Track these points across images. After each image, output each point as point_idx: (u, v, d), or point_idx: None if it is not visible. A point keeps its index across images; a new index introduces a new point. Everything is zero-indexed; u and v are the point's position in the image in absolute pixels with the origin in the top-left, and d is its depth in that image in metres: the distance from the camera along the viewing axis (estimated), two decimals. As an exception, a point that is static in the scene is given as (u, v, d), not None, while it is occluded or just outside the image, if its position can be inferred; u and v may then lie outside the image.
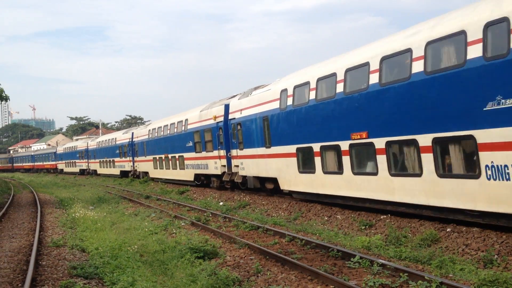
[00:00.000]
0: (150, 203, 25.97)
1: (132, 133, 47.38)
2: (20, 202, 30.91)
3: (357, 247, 12.56)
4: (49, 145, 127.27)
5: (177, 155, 33.69)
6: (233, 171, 25.72)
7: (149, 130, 41.35)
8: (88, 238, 15.34)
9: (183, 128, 32.49)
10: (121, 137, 50.63)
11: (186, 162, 32.08)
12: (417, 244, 12.25)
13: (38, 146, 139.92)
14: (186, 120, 31.89)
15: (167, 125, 36.30)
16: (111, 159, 53.16)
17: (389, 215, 15.08)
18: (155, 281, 10.30)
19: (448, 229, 12.59)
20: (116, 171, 52.13)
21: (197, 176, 30.94)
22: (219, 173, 26.98)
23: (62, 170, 78.30)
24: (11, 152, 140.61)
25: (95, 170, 61.04)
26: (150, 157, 40.89)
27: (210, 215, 19.95)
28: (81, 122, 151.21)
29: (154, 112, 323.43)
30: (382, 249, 12.24)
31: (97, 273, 11.03)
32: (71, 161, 72.21)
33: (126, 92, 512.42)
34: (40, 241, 15.51)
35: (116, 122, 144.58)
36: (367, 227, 14.86)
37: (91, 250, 13.41)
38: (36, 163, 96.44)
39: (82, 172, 67.11)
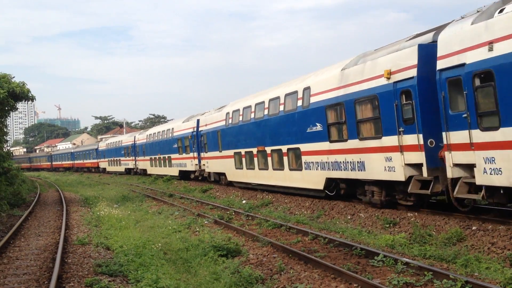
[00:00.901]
0: (174, 201, 26.14)
1: (198, 120, 35.08)
2: (46, 201, 31.38)
3: (381, 246, 12.47)
4: (74, 144, 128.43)
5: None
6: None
7: (228, 112, 28.76)
8: (113, 236, 15.49)
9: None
10: (181, 126, 39.40)
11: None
12: (442, 242, 12.11)
13: (63, 146, 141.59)
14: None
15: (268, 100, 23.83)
16: (167, 156, 42.24)
17: (415, 213, 14.93)
18: (178, 278, 10.37)
19: (474, 227, 12.42)
20: (173, 171, 40.88)
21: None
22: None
23: (104, 169, 69.25)
24: (50, 149, 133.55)
25: (144, 170, 50.34)
26: (230, 152, 28.42)
27: (233, 213, 19.99)
28: (105, 122, 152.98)
29: (178, 111, 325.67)
30: (406, 248, 12.13)
31: (121, 270, 11.14)
32: (115, 159, 62.47)
33: (149, 91, 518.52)
34: (65, 239, 15.72)
35: (140, 121, 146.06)
36: (391, 225, 14.74)
37: (116, 248, 13.54)
38: (76, 161, 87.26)
39: (128, 171, 57.60)
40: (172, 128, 41.29)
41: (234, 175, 28.56)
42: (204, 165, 34.11)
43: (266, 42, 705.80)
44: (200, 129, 34.41)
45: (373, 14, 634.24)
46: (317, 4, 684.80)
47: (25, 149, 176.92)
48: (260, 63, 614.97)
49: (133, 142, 54.37)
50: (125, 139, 59.04)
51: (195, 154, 35.47)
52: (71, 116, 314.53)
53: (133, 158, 54.28)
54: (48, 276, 11.10)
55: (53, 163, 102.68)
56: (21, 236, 17.22)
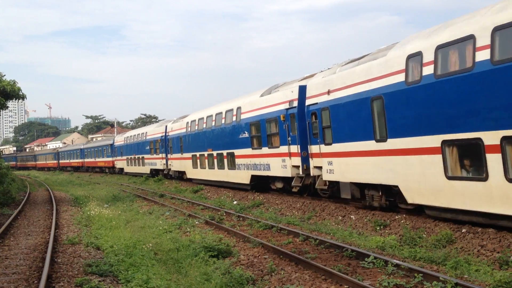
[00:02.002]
0: (165, 202, 26.09)
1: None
2: (36, 200, 31.21)
3: (372, 247, 12.51)
4: (64, 143, 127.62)
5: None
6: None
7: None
8: (103, 236, 15.44)
9: None
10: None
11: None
12: (432, 244, 12.18)
13: (53, 145, 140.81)
14: None
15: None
16: (226, 152, 28.32)
17: (404, 215, 15.00)
18: (169, 279, 10.34)
19: (464, 230, 12.49)
20: (238, 177, 27.09)
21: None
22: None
23: (122, 169, 55.96)
24: (58, 146, 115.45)
25: (183, 172, 37.20)
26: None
27: (224, 214, 19.98)
28: (96, 121, 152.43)
29: (170, 111, 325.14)
30: (397, 249, 12.18)
31: (111, 270, 11.10)
32: (137, 157, 48.89)
33: (141, 91, 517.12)
34: (55, 238, 15.65)
35: (131, 120, 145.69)
36: (381, 227, 14.80)
37: (106, 248, 13.49)
38: (86, 160, 73.95)
39: (155, 173, 44.39)
40: (235, 109, 28.27)
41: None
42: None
43: (259, 43, 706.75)
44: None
45: (366, 17, 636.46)
46: (310, 6, 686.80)
47: (14, 148, 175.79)
48: (254, 64, 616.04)
49: (162, 135, 40.94)
50: (152, 130, 45.84)
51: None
52: (61, 115, 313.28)
53: (163, 156, 40.99)
54: (38, 276, 11.04)
55: (60, 161, 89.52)
56: (11, 235, 17.11)
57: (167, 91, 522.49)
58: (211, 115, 30.29)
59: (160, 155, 41.26)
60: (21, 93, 26.04)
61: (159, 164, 41.59)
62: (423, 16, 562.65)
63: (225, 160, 28.13)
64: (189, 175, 35.46)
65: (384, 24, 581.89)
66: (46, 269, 10.90)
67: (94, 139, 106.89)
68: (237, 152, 26.50)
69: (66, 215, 22.19)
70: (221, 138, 28.61)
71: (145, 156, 45.26)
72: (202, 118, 31.84)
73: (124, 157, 52.76)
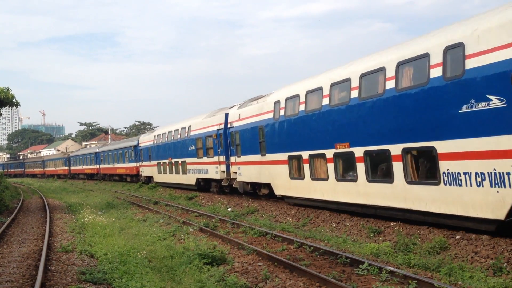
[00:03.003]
0: (159, 209, 26.02)
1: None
2: (29, 207, 31.06)
3: (366, 254, 12.52)
4: (58, 150, 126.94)
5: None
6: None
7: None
8: (97, 244, 15.38)
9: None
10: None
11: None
12: (426, 251, 12.20)
13: (47, 152, 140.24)
14: None
15: None
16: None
17: (398, 222, 15.03)
18: (163, 286, 10.32)
19: (457, 237, 12.53)
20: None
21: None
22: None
23: (150, 178, 44.27)
24: (70, 151, 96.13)
25: (270, 187, 23.04)
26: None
27: (219, 221, 19.96)
28: (90, 128, 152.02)
29: (164, 118, 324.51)
30: (391, 256, 12.20)
31: (105, 278, 11.06)
32: (175, 161, 36.65)
33: (135, 98, 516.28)
34: (49, 246, 15.58)
35: (125, 127, 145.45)
36: (375, 234, 14.82)
37: (100, 256, 13.44)
38: (102, 165, 61.54)
39: (204, 185, 32.69)
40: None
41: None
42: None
43: (253, 50, 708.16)
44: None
45: (359, 24, 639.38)
46: (304, 13, 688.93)
47: (8, 155, 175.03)
48: (248, 71, 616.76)
49: (219, 128, 28.80)
50: (200, 122, 32.06)
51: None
52: (55, 122, 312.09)
53: (222, 158, 28.49)
54: (31, 284, 10.98)
55: (72, 167, 77.69)
56: (4, 243, 17.02)
57: (162, 97, 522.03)
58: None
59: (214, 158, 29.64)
60: (14, 100, 26.00)
61: (213, 172, 29.82)
62: (415, 24, 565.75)
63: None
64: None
65: (377, 31, 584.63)
66: (39, 277, 10.85)
67: (88, 146, 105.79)
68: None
69: (59, 222, 22.10)
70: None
71: (188, 160, 33.82)
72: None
73: (154, 162, 41.72)
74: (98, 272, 11.44)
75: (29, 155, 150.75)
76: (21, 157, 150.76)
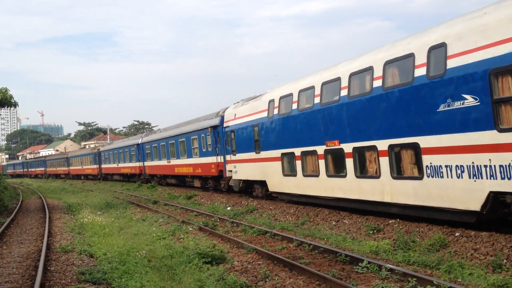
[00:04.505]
0: (158, 208, 26.01)
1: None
2: (28, 208, 31.04)
3: (365, 252, 12.52)
4: (57, 150, 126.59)
5: None
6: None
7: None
8: (96, 244, 15.37)
9: None
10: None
11: None
12: (425, 248, 12.20)
13: (46, 152, 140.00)
14: None
15: None
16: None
17: (397, 219, 15.03)
18: (163, 286, 10.30)
19: (457, 234, 12.53)
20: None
21: None
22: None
23: (256, 184, 24.74)
24: (100, 144, 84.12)
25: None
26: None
27: (218, 220, 19.95)
28: (89, 128, 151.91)
29: (163, 117, 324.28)
30: (390, 254, 12.20)
31: (105, 278, 11.05)
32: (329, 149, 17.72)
33: (133, 97, 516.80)
34: (48, 246, 15.57)
35: (124, 127, 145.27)
36: (375, 231, 14.82)
37: (99, 256, 13.43)
38: (149, 163, 43.83)
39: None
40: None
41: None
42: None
43: (252, 49, 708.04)
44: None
45: (357, 22, 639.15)
46: (302, 11, 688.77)
47: (7, 156, 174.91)
48: (247, 70, 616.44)
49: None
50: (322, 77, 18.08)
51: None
52: (54, 122, 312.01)
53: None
54: (31, 284, 10.97)
55: (102, 166, 61.18)
56: (3, 243, 17.01)
57: (160, 97, 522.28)
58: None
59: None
60: (13, 101, 25.94)
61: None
62: (413, 21, 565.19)
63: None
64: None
65: (375, 29, 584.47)
66: (39, 277, 10.84)
67: (87, 146, 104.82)
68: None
69: (59, 222, 22.09)
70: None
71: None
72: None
73: (269, 153, 22.03)
74: (97, 272, 11.43)
75: (28, 156, 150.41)
76: (19, 158, 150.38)
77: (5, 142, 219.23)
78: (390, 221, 15.10)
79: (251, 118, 23.70)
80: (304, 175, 19.13)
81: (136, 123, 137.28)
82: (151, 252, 13.54)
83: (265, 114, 22.06)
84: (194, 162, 33.24)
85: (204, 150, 31.25)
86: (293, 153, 19.80)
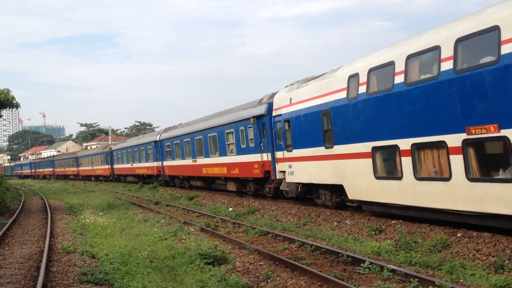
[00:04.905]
0: (160, 209, 26.02)
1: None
2: (30, 209, 31.06)
3: (367, 253, 12.52)
4: (59, 151, 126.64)
5: None
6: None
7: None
8: (98, 244, 15.38)
9: None
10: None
11: None
12: (427, 249, 12.19)
13: (48, 153, 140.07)
14: None
15: None
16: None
17: (400, 220, 15.02)
18: (165, 287, 10.32)
19: (459, 234, 12.52)
20: None
21: None
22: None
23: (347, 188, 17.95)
24: (113, 143, 71.01)
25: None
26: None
27: (220, 221, 19.95)
28: (90, 129, 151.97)
29: (164, 118, 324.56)
30: (392, 255, 12.19)
31: (107, 279, 11.05)
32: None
33: (135, 98, 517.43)
34: (50, 247, 15.57)
35: (125, 128, 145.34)
36: (377, 232, 14.81)
37: (101, 256, 13.44)
38: (168, 162, 38.89)
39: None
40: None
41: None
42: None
43: (253, 49, 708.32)
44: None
45: (358, 22, 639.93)
46: (302, 12, 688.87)
47: (9, 157, 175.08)
48: (248, 70, 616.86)
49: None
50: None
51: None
52: (56, 123, 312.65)
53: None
54: (33, 285, 10.98)
55: (114, 166, 55.71)
56: (5, 244, 17.02)
57: (161, 98, 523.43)
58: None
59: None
60: (14, 102, 25.97)
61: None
62: (414, 22, 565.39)
63: None
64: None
65: (376, 29, 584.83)
66: (41, 278, 10.85)
67: (89, 147, 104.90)
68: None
69: (61, 223, 22.10)
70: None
71: None
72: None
73: (346, 147, 17.30)
74: (99, 273, 11.43)
75: (30, 157, 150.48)
76: (21, 159, 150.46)
77: (7, 143, 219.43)
78: (392, 222, 15.09)
79: (317, 101, 18.30)
80: (418, 178, 13.47)
81: (137, 123, 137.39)
82: (153, 253, 13.55)
83: (341, 95, 16.69)
84: (229, 161, 27.36)
85: (243, 146, 25.42)
86: (395, 146, 14.27)
